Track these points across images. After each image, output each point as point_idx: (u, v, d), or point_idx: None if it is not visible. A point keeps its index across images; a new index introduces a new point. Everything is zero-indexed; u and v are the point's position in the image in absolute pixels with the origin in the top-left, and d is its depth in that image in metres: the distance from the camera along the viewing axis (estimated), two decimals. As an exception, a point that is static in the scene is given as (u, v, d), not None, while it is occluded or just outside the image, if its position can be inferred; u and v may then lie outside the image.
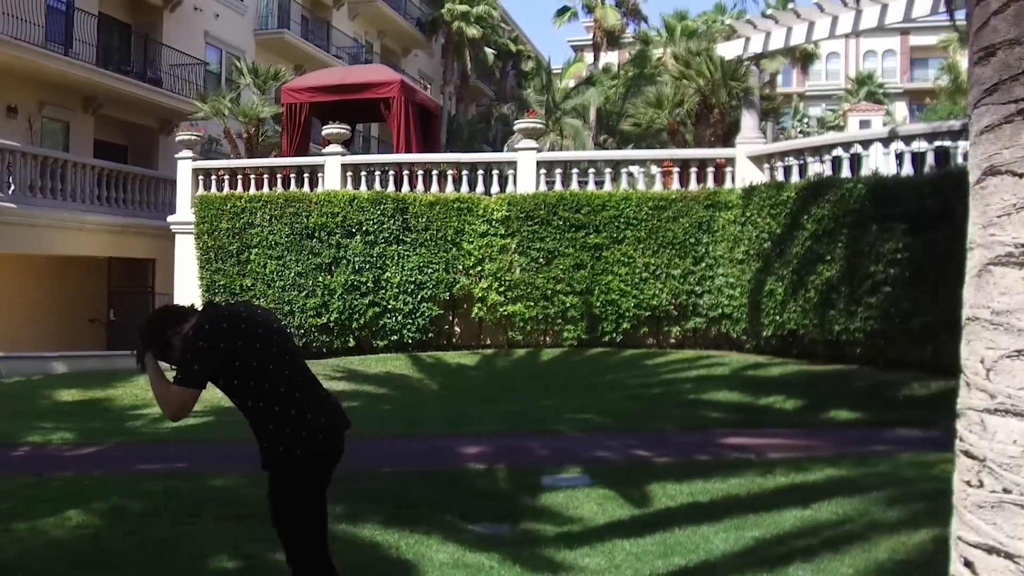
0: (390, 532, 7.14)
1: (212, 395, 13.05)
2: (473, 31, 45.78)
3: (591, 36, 57.49)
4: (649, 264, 16.60)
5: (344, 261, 17.77)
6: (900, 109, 65.06)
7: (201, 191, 20.19)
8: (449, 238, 17.52)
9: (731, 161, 17.26)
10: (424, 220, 17.59)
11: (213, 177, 20.27)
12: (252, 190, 19.41)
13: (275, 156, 21.84)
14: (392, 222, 17.64)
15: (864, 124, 41.64)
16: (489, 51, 50.80)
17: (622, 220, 16.72)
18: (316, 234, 17.94)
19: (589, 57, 54.03)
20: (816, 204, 14.31)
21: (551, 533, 7.22)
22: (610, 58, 54.66)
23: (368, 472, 9.23)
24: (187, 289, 19.83)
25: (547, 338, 17.55)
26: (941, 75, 52.06)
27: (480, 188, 18.34)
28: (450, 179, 18.52)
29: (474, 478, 9.08)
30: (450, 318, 18.11)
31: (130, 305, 23.84)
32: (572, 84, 47.55)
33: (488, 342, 18.08)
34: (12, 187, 19.18)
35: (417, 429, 11.81)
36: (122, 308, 23.70)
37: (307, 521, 4.31)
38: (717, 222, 16.35)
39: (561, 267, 16.92)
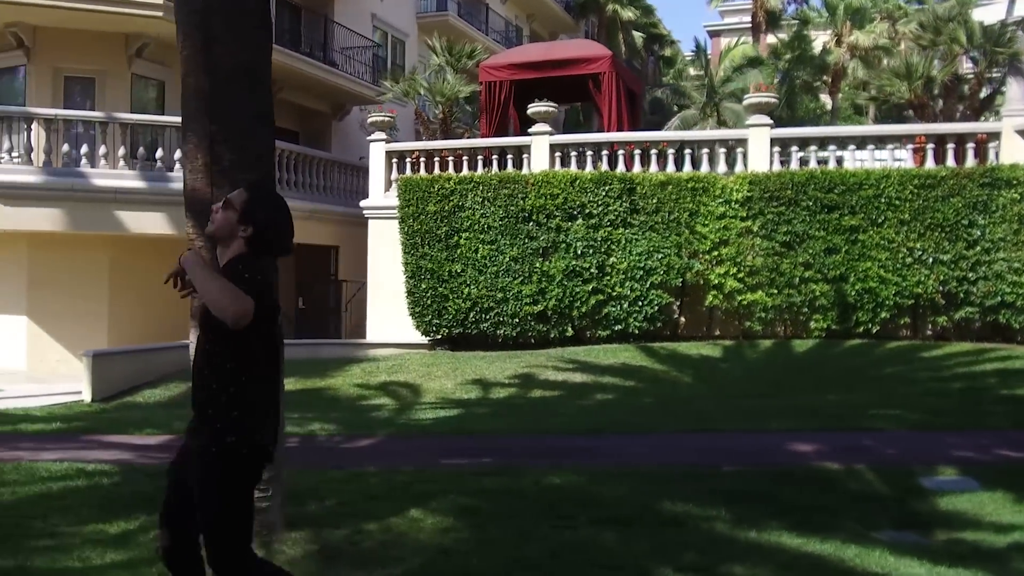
0: (811, 541, 6.26)
1: (441, 386, 12.30)
2: (629, 13, 44.80)
3: (749, 17, 56.11)
4: (914, 248, 15.39)
5: (564, 245, 16.94)
6: None
7: (396, 174, 19.61)
8: (682, 221, 16.55)
9: (994, 136, 15.96)
10: (654, 201, 16.65)
11: (408, 160, 19.66)
12: (450, 171, 18.75)
13: (467, 137, 21.14)
14: (618, 204, 16.74)
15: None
16: (638, 35, 49.75)
17: (882, 200, 15.53)
18: (534, 217, 17.15)
19: (731, 40, 52.49)
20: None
21: (988, 543, 6.31)
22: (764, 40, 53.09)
23: (707, 471, 8.40)
24: (381, 276, 19.28)
25: (787, 329, 16.47)
26: None
27: (704, 167, 17.38)
28: (670, 158, 17.57)
29: (840, 480, 8.13)
30: (676, 307, 17.15)
31: (315, 294, 23.44)
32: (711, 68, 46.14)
33: (718, 333, 17.08)
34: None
35: (711, 424, 10.88)
36: (309, 297, 23.28)
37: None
38: (996, 201, 15.06)
39: (810, 252, 15.80)
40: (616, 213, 16.74)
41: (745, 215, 16.16)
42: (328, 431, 11.27)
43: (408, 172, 19.44)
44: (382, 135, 19.87)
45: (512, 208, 17.27)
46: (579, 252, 16.84)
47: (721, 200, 16.32)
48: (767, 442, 9.77)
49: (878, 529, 6.80)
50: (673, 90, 44.72)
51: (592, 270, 16.81)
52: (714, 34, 68.01)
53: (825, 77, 46.86)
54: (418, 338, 18.52)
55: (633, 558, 5.90)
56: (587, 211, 16.86)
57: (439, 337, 18.26)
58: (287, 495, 6.70)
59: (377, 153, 19.98)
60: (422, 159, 19.50)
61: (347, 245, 23.65)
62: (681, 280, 16.55)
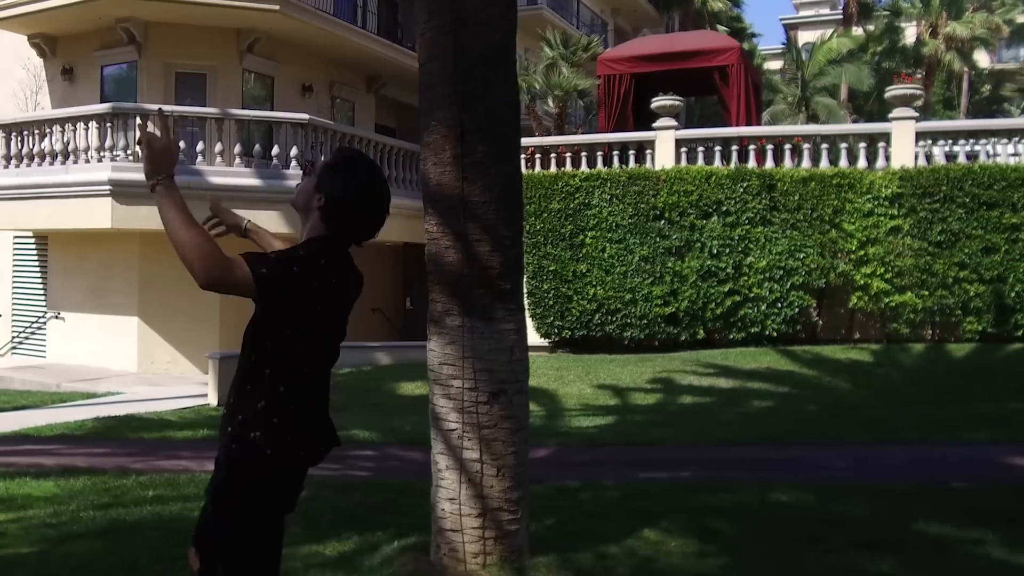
0: None
1: (578, 391, 11.76)
2: (719, 4, 44.10)
3: (827, 10, 55.35)
4: (1081, 247, 14.71)
5: (698, 244, 16.41)
6: None
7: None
8: (826, 218, 15.94)
9: None
10: (796, 198, 16.05)
11: (522, 157, 19.18)
12: (568, 167, 18.30)
13: (580, 133, 20.67)
14: (757, 201, 16.18)
15: None
16: (722, 28, 49.04)
17: (1049, 197, 14.86)
18: (666, 214, 16.63)
19: (814, 33, 51.53)
20: None
21: None
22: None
23: (936, 487, 7.84)
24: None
25: (936, 332, 15.80)
26: None
27: (843, 162, 16.75)
28: (805, 153, 16.96)
29: None
30: (813, 309, 16.53)
31: (421, 295, 23.05)
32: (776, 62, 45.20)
33: (857, 336, 16.45)
34: (325, 168, 18.43)
35: (897, 434, 10.30)
36: (415, 298, 22.93)
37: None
38: None
39: (966, 251, 15.13)
40: (755, 210, 16.18)
41: (896, 213, 15.51)
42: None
43: (523, 169, 18.99)
44: (497, 131, 19.40)
45: (642, 206, 16.78)
46: (714, 251, 16.30)
47: (869, 197, 15.68)
48: (975, 454, 9.19)
49: None
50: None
51: (728, 270, 16.27)
52: (791, 27, 67.07)
53: (919, 69, 45.77)
54: (535, 340, 18.04)
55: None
56: (723, 208, 16.32)
57: (559, 339, 17.79)
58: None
59: (487, 149, 19.50)
60: (537, 155, 19.05)
61: (452, 244, 23.29)
62: (824, 281, 15.93)
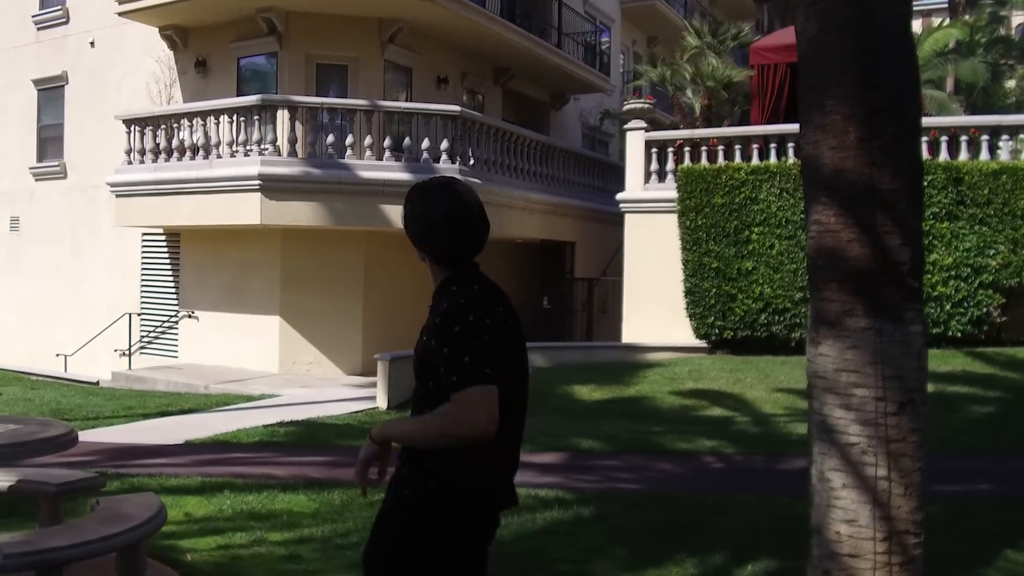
0: None
1: (767, 396, 11.08)
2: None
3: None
4: None
5: (875, 241, 15.75)
6: None
7: (655, 165, 18.67)
8: (1019, 214, 15.24)
9: None
10: (985, 192, 15.37)
11: (670, 150, 18.68)
12: (719, 161, 17.73)
13: (726, 125, 20.08)
14: (942, 195, 15.53)
15: None
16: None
17: None
18: (841, 209, 15.98)
19: (915, 23, 50.41)
20: None
21: None
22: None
23: None
24: (639, 274, 18.36)
25: None
26: None
27: (1004, 155, 16.08)
28: (983, 145, 16.26)
29: None
30: (995, 309, 15.83)
31: (556, 293, 22.65)
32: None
33: (1046, 338, 15.75)
34: (472, 160, 18.03)
35: None
36: (551, 296, 22.51)
37: None
38: None
39: None
40: (940, 205, 15.52)
41: (1096, 207, 14.81)
42: (727, 450, 10.30)
43: (670, 163, 18.48)
44: (640, 123, 18.93)
45: (814, 200, 16.14)
46: (893, 248, 15.63)
47: (1067, 191, 14.98)
48: None
49: None
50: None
51: (910, 267, 15.59)
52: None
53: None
54: (689, 340, 17.52)
55: None
56: (905, 203, 15.65)
57: (719, 340, 17.21)
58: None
59: (635, 143, 19.02)
60: (686, 148, 18.47)
61: (584, 241, 22.88)
62: (1017, 279, 15.24)
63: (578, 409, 13.53)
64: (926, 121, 16.87)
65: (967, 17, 46.52)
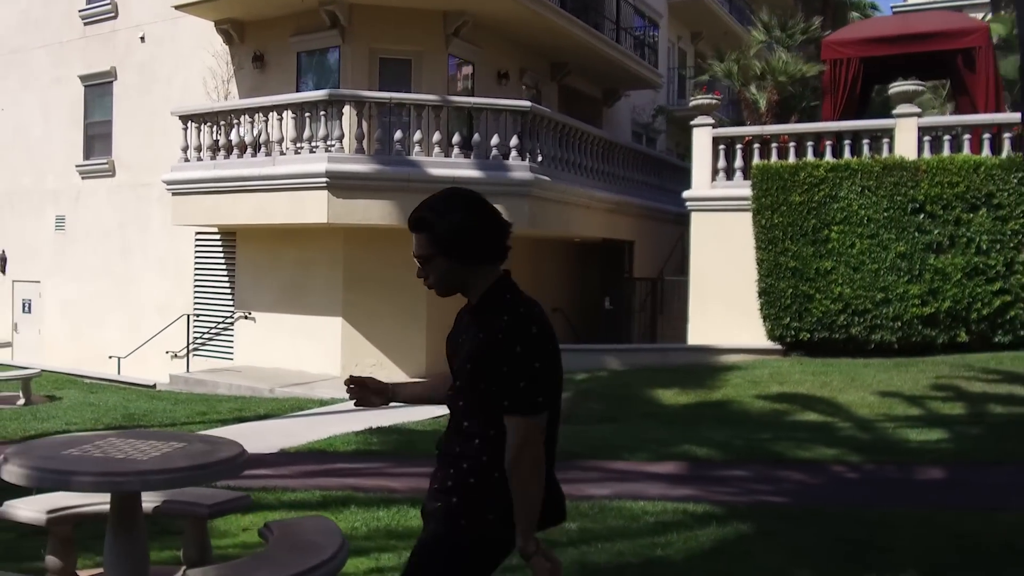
0: None
1: (860, 399, 10.70)
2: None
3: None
4: None
5: (964, 240, 15.42)
6: None
7: (723, 162, 18.33)
8: None
9: None
10: None
11: (739, 146, 18.32)
12: (791, 158, 17.38)
13: (794, 121, 19.71)
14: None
15: None
16: (854, 15, 47.72)
17: None
18: (927, 207, 15.64)
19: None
20: None
21: None
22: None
23: None
24: (707, 274, 18.03)
25: None
26: None
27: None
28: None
29: None
30: None
31: (616, 293, 22.31)
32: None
33: None
34: (540, 157, 17.68)
35: None
36: (612, 296, 22.17)
37: None
38: None
39: None
40: None
41: None
42: (852, 459, 9.94)
43: (738, 160, 18.14)
44: (707, 119, 18.58)
45: (899, 198, 15.79)
46: (983, 247, 15.30)
47: None
48: None
49: None
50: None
51: (999, 268, 15.27)
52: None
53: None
54: (760, 342, 17.16)
55: None
56: (994, 201, 15.32)
57: (795, 341, 16.83)
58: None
59: (702, 139, 18.67)
60: (757, 145, 18.13)
61: (643, 241, 22.54)
62: None
63: (668, 414, 13.19)
64: (1003, 117, 16.62)
65: (1002, 12, 45.92)
